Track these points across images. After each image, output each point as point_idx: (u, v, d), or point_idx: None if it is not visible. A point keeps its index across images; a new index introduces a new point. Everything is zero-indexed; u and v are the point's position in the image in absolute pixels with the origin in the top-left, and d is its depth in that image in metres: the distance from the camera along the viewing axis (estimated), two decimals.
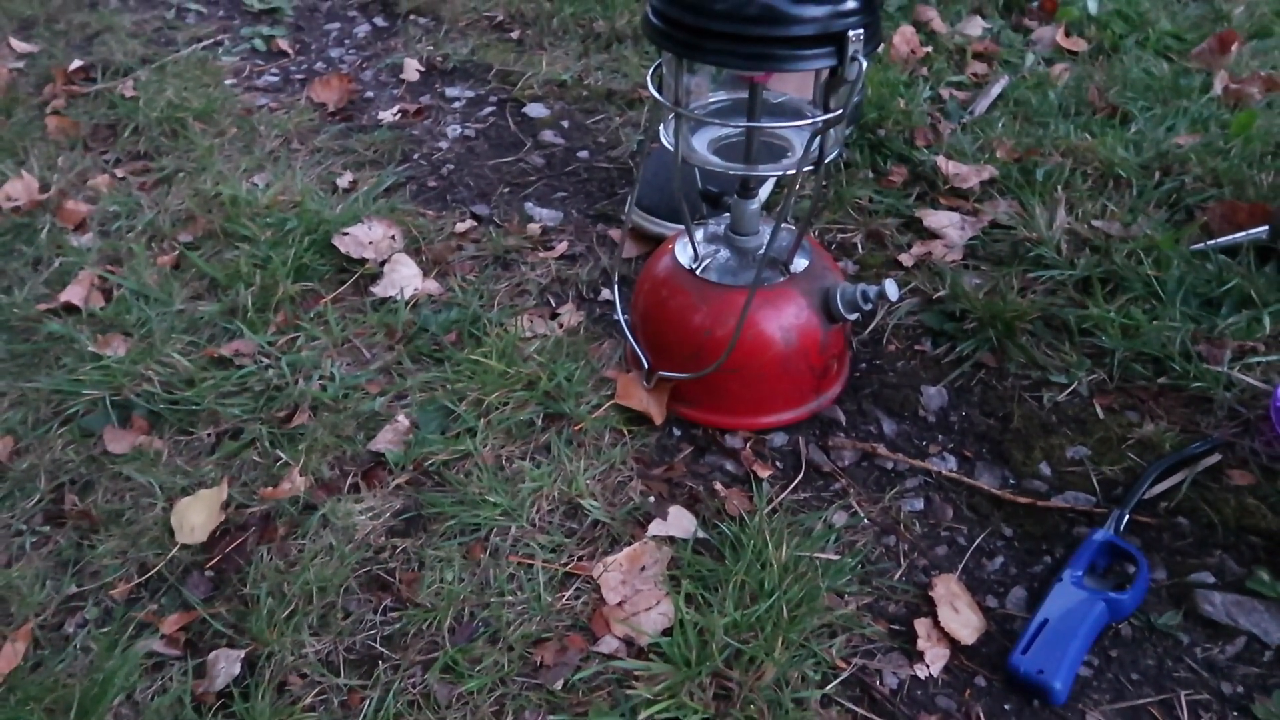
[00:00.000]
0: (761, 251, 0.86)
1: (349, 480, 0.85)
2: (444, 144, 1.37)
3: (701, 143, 0.85)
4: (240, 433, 0.91)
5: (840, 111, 0.74)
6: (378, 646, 0.72)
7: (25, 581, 0.79)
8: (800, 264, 0.86)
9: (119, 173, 1.33)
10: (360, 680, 0.70)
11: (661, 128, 0.83)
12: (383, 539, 0.80)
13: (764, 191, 1.15)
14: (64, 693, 0.69)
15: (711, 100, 0.87)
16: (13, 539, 0.83)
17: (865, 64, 0.69)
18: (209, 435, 0.91)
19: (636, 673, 0.69)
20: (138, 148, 1.38)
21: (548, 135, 1.37)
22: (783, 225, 0.81)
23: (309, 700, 0.69)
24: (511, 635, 0.72)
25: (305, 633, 0.73)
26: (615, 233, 1.16)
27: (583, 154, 1.32)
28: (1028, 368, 0.93)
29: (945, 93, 1.38)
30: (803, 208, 1.13)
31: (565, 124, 1.39)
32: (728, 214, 0.89)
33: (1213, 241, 1.02)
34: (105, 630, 0.75)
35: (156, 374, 0.96)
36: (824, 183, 1.18)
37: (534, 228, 1.16)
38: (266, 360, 0.98)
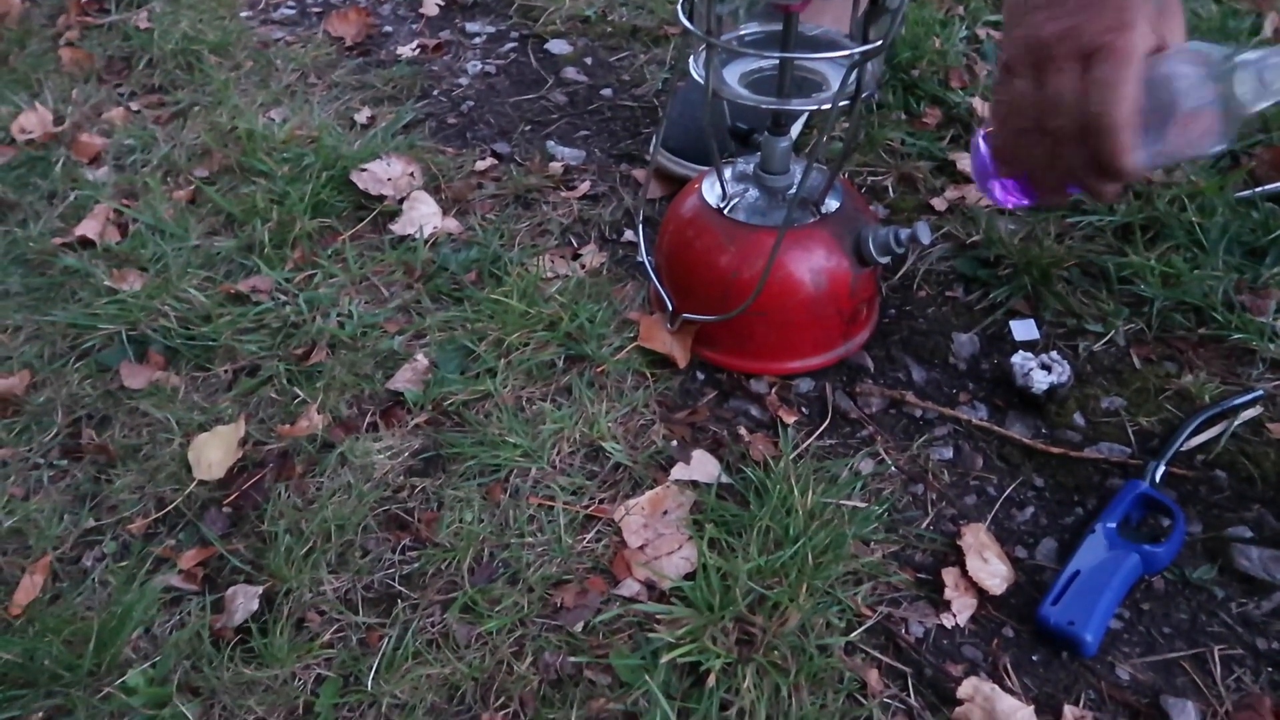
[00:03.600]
0: (792, 191, 0.84)
1: (367, 419, 0.84)
2: (464, 80, 1.33)
3: (733, 76, 0.82)
4: (257, 370, 0.90)
5: (880, 43, 0.71)
6: (396, 585, 0.72)
7: (43, 515, 0.79)
8: (831, 205, 0.83)
9: (134, 106, 1.31)
10: (379, 618, 0.70)
11: (691, 60, 0.80)
12: (401, 478, 0.79)
13: (794, 130, 1.11)
14: (82, 625, 0.69)
15: (743, 33, 0.84)
16: (30, 472, 0.82)
17: None
18: (226, 372, 0.90)
19: (658, 616, 0.68)
20: (152, 81, 1.36)
21: (570, 72, 1.33)
22: (814, 165, 0.78)
23: (327, 637, 0.69)
24: (531, 576, 0.71)
25: (324, 570, 0.73)
26: (639, 173, 1.13)
27: (606, 92, 1.29)
28: (1063, 316, 0.90)
29: (982, 33, 1.33)
30: (834, 148, 1.10)
31: (588, 61, 1.36)
32: (757, 153, 0.86)
33: (1259, 189, 0.98)
34: (123, 564, 0.75)
35: (173, 309, 0.95)
36: (860, 119, 1.14)
37: (556, 167, 1.14)
38: (284, 297, 0.96)
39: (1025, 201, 0.73)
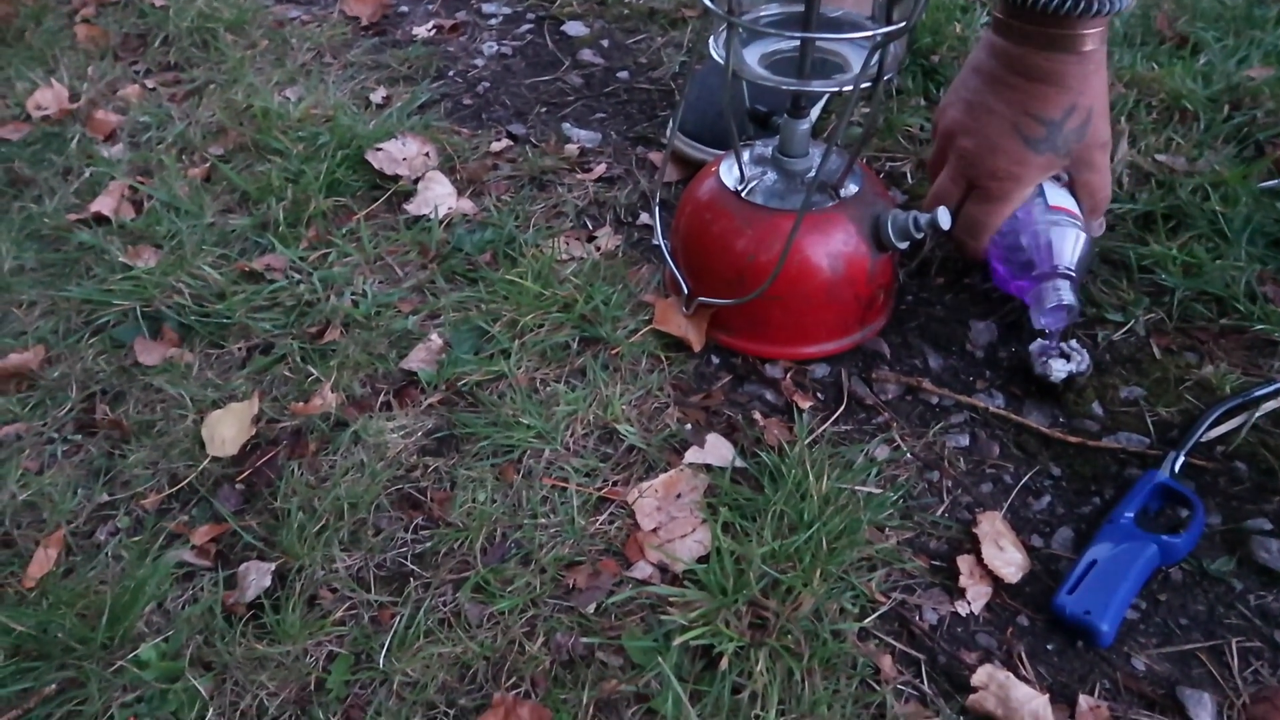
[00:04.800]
0: (811, 174, 0.83)
1: (381, 398, 0.84)
2: (480, 61, 1.33)
3: (753, 56, 0.81)
4: (271, 347, 0.89)
5: (904, 24, 0.70)
6: (409, 564, 0.72)
7: (57, 489, 0.79)
8: (850, 189, 0.83)
9: (149, 83, 1.31)
10: (391, 597, 0.70)
11: (711, 40, 0.79)
12: (414, 457, 0.79)
13: (813, 113, 1.10)
14: (96, 599, 0.69)
15: (763, 13, 0.83)
16: (44, 446, 0.83)
17: None
18: (240, 349, 0.90)
19: (671, 599, 0.67)
20: (168, 58, 1.36)
21: (586, 55, 1.32)
22: (834, 148, 0.77)
23: (339, 614, 0.69)
24: (544, 557, 0.71)
25: (336, 548, 0.72)
26: (655, 156, 1.12)
27: (622, 74, 1.28)
28: (1083, 304, 0.89)
29: None
30: (853, 133, 1.09)
31: (605, 43, 1.35)
32: (775, 135, 0.85)
33: None
34: (136, 539, 0.75)
35: (187, 286, 0.94)
36: (881, 103, 1.13)
37: (571, 149, 1.13)
38: (298, 275, 0.96)
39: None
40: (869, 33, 0.73)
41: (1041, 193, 0.83)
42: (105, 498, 0.78)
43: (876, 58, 0.72)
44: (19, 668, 0.66)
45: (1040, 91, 0.78)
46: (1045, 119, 0.79)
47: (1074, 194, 0.84)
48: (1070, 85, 0.77)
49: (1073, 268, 0.80)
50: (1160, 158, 1.02)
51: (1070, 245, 0.80)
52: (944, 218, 0.79)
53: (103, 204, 1.07)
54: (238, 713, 0.64)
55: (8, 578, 0.72)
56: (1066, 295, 0.78)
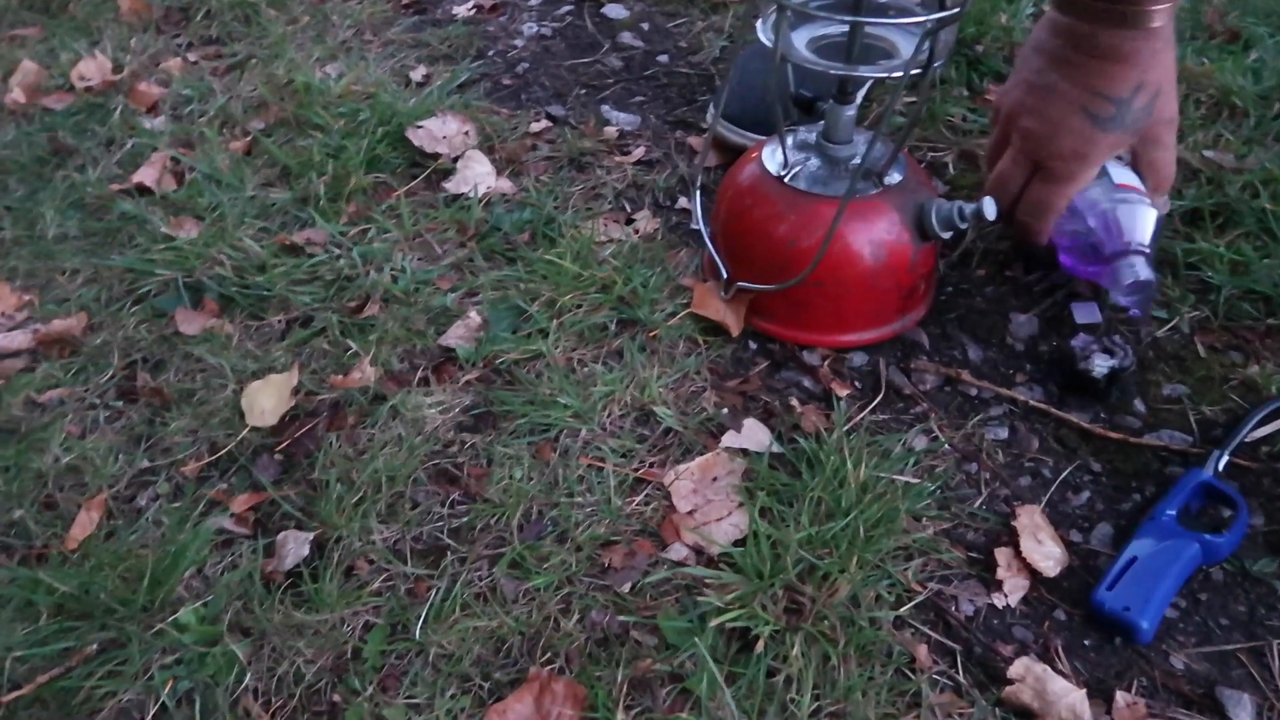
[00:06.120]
0: (856, 161, 0.82)
1: (419, 373, 0.84)
2: (519, 42, 1.32)
3: (800, 40, 0.81)
4: (311, 320, 0.90)
5: (958, 10, 0.69)
6: (445, 538, 0.72)
7: (99, 454, 0.80)
8: (894, 177, 0.82)
9: (191, 57, 1.31)
10: (427, 570, 0.70)
11: (759, 22, 0.79)
12: (452, 433, 0.79)
13: (857, 99, 1.09)
14: (136, 562, 0.70)
15: None
16: (87, 412, 0.84)
17: None
18: (279, 321, 0.90)
19: (707, 581, 0.67)
20: (210, 32, 1.36)
21: (626, 37, 1.32)
22: (879, 135, 0.76)
23: (376, 585, 0.69)
24: (580, 536, 0.71)
25: (373, 520, 0.73)
26: (694, 140, 1.12)
27: (662, 58, 1.27)
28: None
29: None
30: (897, 121, 1.08)
31: (645, 26, 1.34)
32: (820, 121, 0.85)
33: None
34: (176, 505, 0.76)
35: (228, 258, 0.95)
36: (929, 90, 1.12)
37: (610, 131, 1.13)
38: (338, 250, 0.96)
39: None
40: (921, 18, 0.72)
41: (1105, 172, 0.82)
42: (146, 464, 0.79)
43: (928, 44, 0.71)
44: (61, 627, 0.67)
45: (1107, 69, 0.77)
46: (1113, 97, 0.77)
47: (1138, 171, 0.83)
48: (1138, 62, 0.76)
49: (1146, 244, 0.79)
50: (1208, 154, 1.01)
51: (1141, 221, 0.79)
52: (989, 208, 0.78)
53: (145, 175, 1.08)
54: (275, 678, 0.64)
55: (51, 539, 0.74)
56: (1143, 270, 0.77)
